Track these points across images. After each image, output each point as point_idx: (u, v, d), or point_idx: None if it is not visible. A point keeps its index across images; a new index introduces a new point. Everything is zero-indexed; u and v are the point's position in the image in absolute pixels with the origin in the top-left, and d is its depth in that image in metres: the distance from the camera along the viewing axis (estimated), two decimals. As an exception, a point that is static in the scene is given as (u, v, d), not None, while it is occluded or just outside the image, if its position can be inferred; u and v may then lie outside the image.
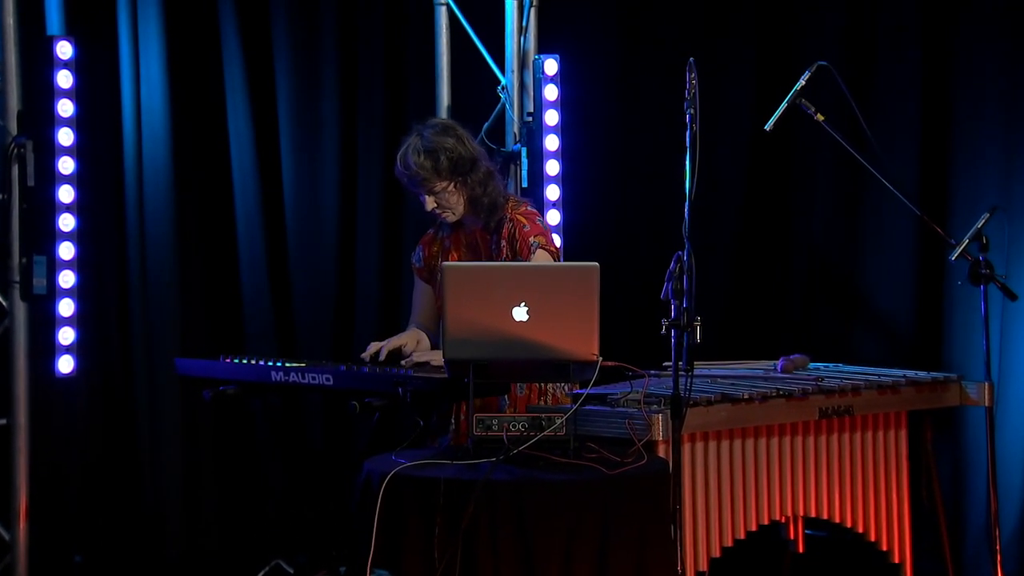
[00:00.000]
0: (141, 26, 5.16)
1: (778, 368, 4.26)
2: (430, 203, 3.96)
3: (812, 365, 4.39)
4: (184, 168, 5.26)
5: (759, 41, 5.29)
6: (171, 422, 5.23)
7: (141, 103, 5.17)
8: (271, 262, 5.37)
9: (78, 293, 4.82)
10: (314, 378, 3.75)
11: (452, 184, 3.94)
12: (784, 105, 4.27)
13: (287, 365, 3.81)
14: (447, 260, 4.04)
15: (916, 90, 5.05)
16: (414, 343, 3.97)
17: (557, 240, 4.90)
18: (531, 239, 3.99)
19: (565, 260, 4.87)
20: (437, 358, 3.74)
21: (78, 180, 4.82)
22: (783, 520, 4.08)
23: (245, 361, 3.90)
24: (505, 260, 3.97)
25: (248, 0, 5.30)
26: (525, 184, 4.95)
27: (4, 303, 4.78)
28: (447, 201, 3.96)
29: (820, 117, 4.27)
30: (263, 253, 5.35)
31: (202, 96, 5.31)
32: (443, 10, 5.08)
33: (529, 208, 4.07)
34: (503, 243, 3.99)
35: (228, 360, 3.93)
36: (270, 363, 3.84)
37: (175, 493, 5.23)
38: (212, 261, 5.36)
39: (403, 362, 3.87)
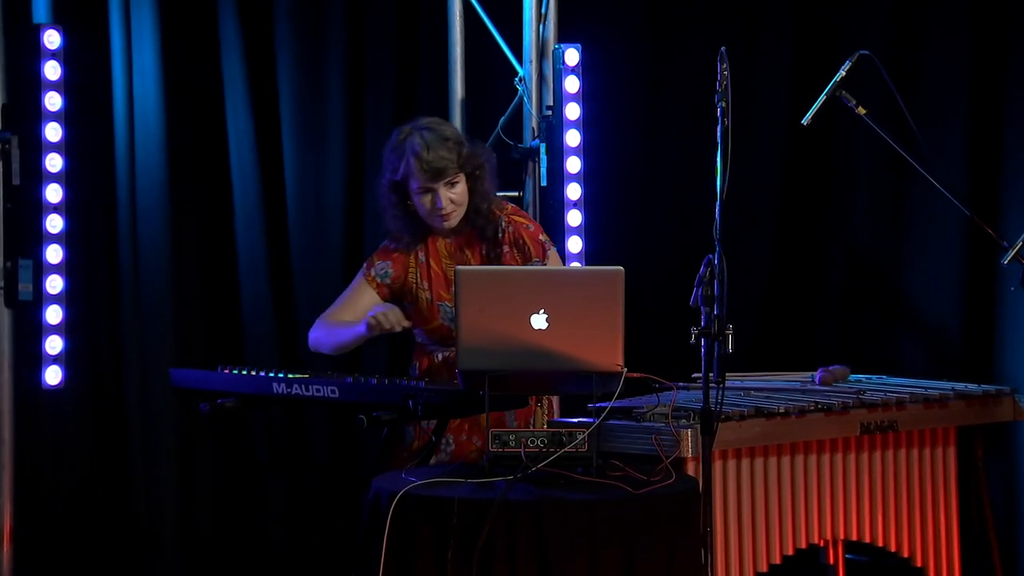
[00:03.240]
0: (134, 14, 5.18)
1: (816, 380, 4.26)
2: (446, 198, 3.94)
3: (853, 377, 4.39)
4: (180, 166, 5.28)
5: (797, 28, 5.29)
6: (166, 437, 5.25)
7: (134, 96, 5.19)
8: (273, 267, 5.38)
9: (66, 299, 4.83)
10: (319, 390, 3.76)
11: (466, 179, 3.96)
12: (823, 97, 4.26)
13: (290, 376, 3.82)
14: (428, 277, 4.04)
15: (965, 80, 5.04)
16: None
17: (578, 243, 4.92)
18: (541, 237, 4.03)
19: (587, 264, 4.88)
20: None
21: (66, 178, 4.83)
22: (822, 544, 4.07)
23: (245, 372, 3.91)
24: (518, 261, 4.00)
25: (248, -13, 5.34)
26: (544, 183, 4.96)
27: (-12, 310, 4.80)
28: (460, 197, 3.97)
29: (862, 110, 4.26)
30: (264, 257, 5.37)
31: (199, 89, 5.33)
32: (457, -4, 5.09)
33: (514, 206, 4.11)
34: (505, 248, 4.01)
35: (227, 371, 3.95)
36: (271, 374, 3.85)
37: (170, 513, 5.25)
38: (210, 265, 5.38)
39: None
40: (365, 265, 4.12)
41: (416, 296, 4.05)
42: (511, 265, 3.98)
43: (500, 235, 4.02)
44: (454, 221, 3.98)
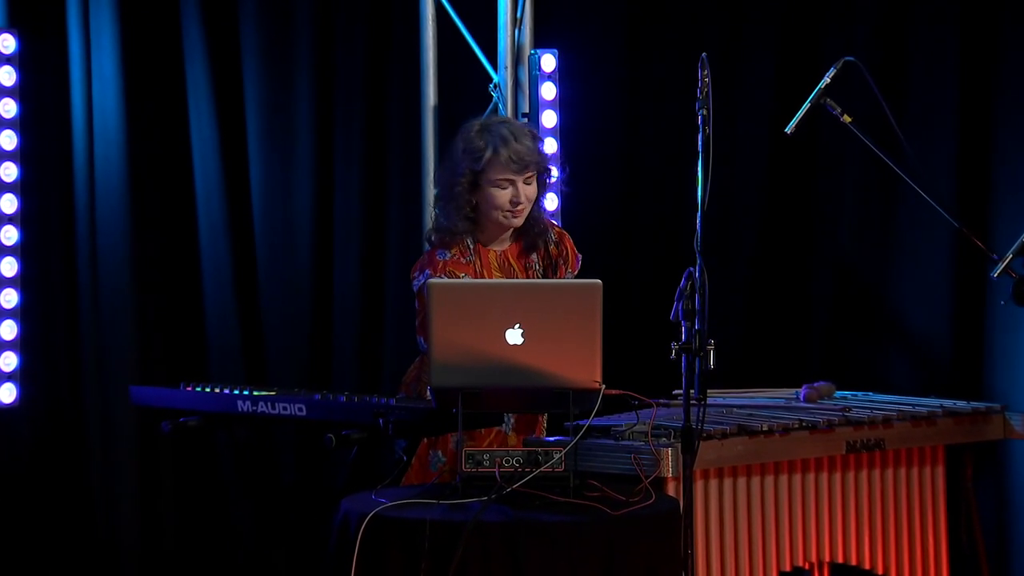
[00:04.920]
0: (93, 17, 5.17)
1: (801, 397, 4.27)
2: (523, 193, 3.94)
3: (839, 394, 4.41)
4: (141, 175, 5.27)
5: (781, 34, 5.32)
6: (126, 457, 5.23)
7: (93, 103, 5.18)
8: (238, 280, 5.38)
9: (22, 314, 4.82)
10: (285, 408, 3.76)
11: (537, 178, 3.99)
12: (807, 105, 4.28)
13: (255, 394, 3.82)
14: None
15: (954, 87, 5.07)
16: None
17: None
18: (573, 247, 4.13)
19: (565, 277, 4.89)
20: None
21: (22, 188, 4.82)
22: (807, 567, 4.08)
23: (208, 389, 3.91)
24: (556, 276, 4.06)
25: (213, -11, 5.34)
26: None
27: (-60, 325, 4.78)
28: (532, 196, 3.98)
29: (847, 119, 4.28)
30: (229, 269, 5.36)
31: (161, 96, 5.32)
32: (429, 0, 5.09)
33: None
34: (560, 262, 4.08)
35: (189, 388, 3.94)
36: (236, 391, 3.85)
37: (131, 535, 5.23)
38: (172, 278, 5.37)
39: None
40: (426, 274, 3.92)
41: None
42: (569, 271, 4.07)
43: (550, 246, 4.07)
44: (521, 220, 3.99)
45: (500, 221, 3.97)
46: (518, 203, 3.94)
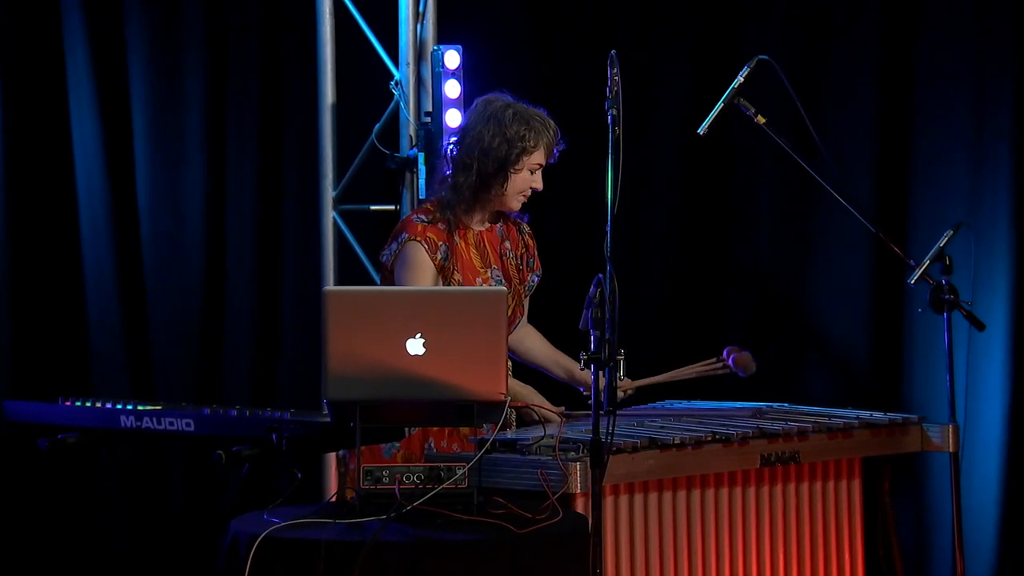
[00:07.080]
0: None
1: (728, 358, 4.28)
2: (541, 181, 4.06)
3: (753, 404, 4.44)
4: (18, 176, 5.20)
5: (696, 30, 5.36)
6: None
7: (-37, 98, 5.11)
8: (123, 287, 5.32)
9: None
10: (172, 423, 3.71)
11: None
12: (720, 105, 4.31)
13: (140, 408, 3.77)
14: (460, 263, 4.03)
15: (873, 91, 5.15)
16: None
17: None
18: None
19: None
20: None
21: None
22: (721, 584, 4.12)
23: (89, 404, 3.85)
24: (530, 269, 4.15)
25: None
26: (423, 195, 4.96)
27: None
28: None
29: (761, 119, 4.31)
30: (113, 276, 5.31)
31: (40, 91, 5.26)
32: (326, -7, 5.08)
33: None
34: (525, 252, 4.16)
35: (69, 403, 3.88)
36: (119, 406, 3.80)
37: (3, 564, 5.14)
38: (52, 285, 5.31)
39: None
40: (402, 237, 3.97)
41: (447, 282, 4.02)
42: (536, 271, 4.17)
43: (525, 237, 4.17)
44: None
45: (513, 205, 4.06)
46: (539, 189, 4.05)
